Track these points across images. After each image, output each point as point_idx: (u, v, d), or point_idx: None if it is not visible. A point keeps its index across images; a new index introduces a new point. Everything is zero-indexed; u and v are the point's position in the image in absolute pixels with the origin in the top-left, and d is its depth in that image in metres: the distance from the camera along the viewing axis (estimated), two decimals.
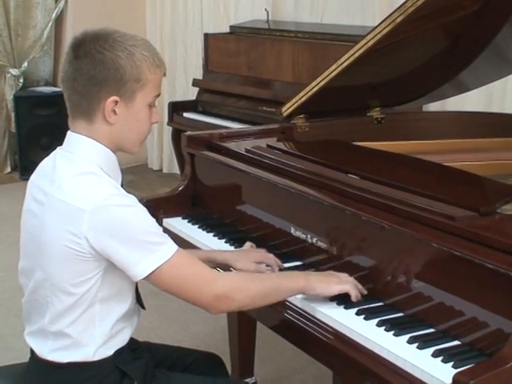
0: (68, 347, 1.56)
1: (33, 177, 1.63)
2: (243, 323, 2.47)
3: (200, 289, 1.53)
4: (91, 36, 1.53)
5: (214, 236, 2.05)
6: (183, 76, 5.36)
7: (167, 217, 2.18)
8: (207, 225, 2.11)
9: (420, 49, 2.27)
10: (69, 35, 5.65)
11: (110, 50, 1.51)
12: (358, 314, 1.57)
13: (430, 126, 2.52)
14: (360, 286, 1.63)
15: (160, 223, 2.04)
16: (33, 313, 1.62)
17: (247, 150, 2.11)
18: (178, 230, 2.12)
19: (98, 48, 1.51)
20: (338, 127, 2.38)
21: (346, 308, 1.60)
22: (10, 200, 4.92)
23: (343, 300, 1.62)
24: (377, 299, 1.62)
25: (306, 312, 1.63)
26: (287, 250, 1.89)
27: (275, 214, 1.95)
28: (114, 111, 1.54)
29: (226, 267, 1.79)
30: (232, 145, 2.22)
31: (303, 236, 1.84)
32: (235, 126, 3.88)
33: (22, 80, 5.60)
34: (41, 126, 5.41)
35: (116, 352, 1.59)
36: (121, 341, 1.61)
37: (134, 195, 1.54)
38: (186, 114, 4.33)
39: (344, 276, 1.65)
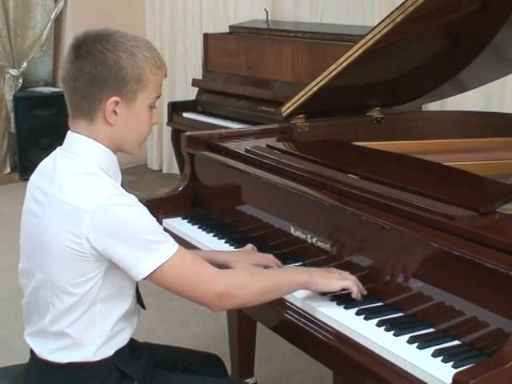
0: (68, 347, 1.56)
1: (33, 177, 1.63)
2: (243, 323, 2.47)
3: (201, 287, 1.53)
4: (93, 36, 1.53)
5: (213, 236, 2.05)
6: (183, 76, 5.35)
7: (167, 217, 2.18)
8: (207, 225, 2.11)
9: (419, 48, 2.27)
10: (68, 35, 5.65)
11: (111, 51, 1.51)
12: (357, 313, 1.57)
13: (430, 125, 2.52)
14: (361, 285, 1.63)
15: (160, 223, 2.03)
16: (33, 313, 1.62)
17: (247, 150, 2.11)
18: (177, 230, 2.12)
19: (99, 48, 1.51)
20: (337, 127, 2.38)
21: (345, 308, 1.60)
22: (9, 200, 4.92)
23: (343, 300, 1.62)
24: (377, 299, 1.62)
25: (305, 312, 1.63)
26: (287, 250, 1.89)
27: (275, 214, 1.95)
28: (115, 112, 1.54)
29: (226, 268, 1.79)
30: (232, 145, 2.22)
31: (303, 236, 1.84)
32: (235, 126, 3.88)
33: (21, 80, 5.60)
34: (40, 127, 5.41)
35: (116, 352, 1.59)
36: (121, 341, 1.61)
37: (134, 195, 1.54)
38: (185, 114, 4.33)
39: (345, 273, 1.65)
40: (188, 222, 2.17)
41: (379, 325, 1.52)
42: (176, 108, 4.38)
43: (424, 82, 2.42)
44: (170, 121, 4.40)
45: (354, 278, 1.63)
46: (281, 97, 3.39)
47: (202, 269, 1.55)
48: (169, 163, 5.61)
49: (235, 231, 2.08)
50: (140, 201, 1.54)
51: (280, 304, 1.66)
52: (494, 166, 2.05)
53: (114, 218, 1.48)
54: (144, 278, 1.51)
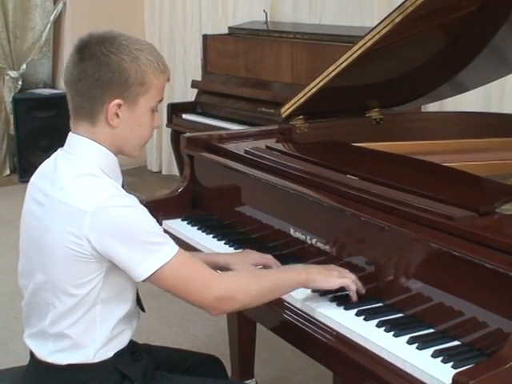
0: (68, 349, 1.56)
1: (33, 178, 1.63)
2: (243, 325, 2.47)
3: (201, 290, 1.53)
4: (97, 38, 1.54)
5: (213, 237, 2.05)
6: (182, 77, 5.36)
7: (167, 218, 2.18)
8: (207, 226, 2.11)
9: (419, 49, 2.27)
10: (67, 37, 5.66)
11: (115, 53, 1.51)
12: (357, 314, 1.57)
13: (429, 126, 2.52)
14: (360, 284, 1.63)
15: (159, 225, 2.04)
16: (33, 315, 1.62)
17: (246, 152, 2.11)
18: (177, 231, 2.12)
19: (103, 51, 1.51)
20: (336, 128, 2.38)
21: (345, 309, 1.60)
22: (9, 202, 4.92)
23: (343, 301, 1.62)
24: (376, 300, 1.62)
25: (305, 313, 1.63)
26: (287, 251, 1.89)
27: (275, 215, 1.95)
28: (117, 114, 1.54)
29: (227, 270, 1.79)
30: (231, 146, 2.22)
31: (302, 237, 1.84)
32: (234, 127, 3.88)
33: (20, 82, 5.60)
34: (39, 128, 5.41)
35: (116, 354, 1.59)
36: (121, 343, 1.61)
37: (134, 196, 1.54)
38: (184, 116, 4.33)
39: (345, 271, 1.65)
40: (188, 223, 2.16)
41: (379, 325, 1.52)
42: (175, 109, 4.38)
43: (423, 82, 2.43)
44: (170, 122, 4.40)
45: (352, 276, 1.63)
46: (280, 98, 3.38)
47: (202, 272, 1.55)
48: (168, 165, 5.61)
49: (235, 232, 2.08)
50: (140, 202, 1.54)
51: (279, 305, 1.66)
52: (494, 166, 2.05)
53: (115, 219, 1.48)
54: (144, 280, 1.51)
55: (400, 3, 1.98)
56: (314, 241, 1.80)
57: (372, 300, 1.62)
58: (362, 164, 1.95)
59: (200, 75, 4.64)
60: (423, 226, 1.54)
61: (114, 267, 1.51)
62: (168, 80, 1.61)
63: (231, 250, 1.96)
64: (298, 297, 1.65)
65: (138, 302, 1.68)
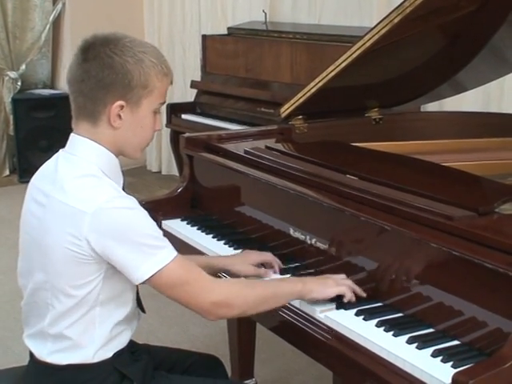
0: (67, 349, 1.56)
1: (33, 179, 1.63)
2: (243, 325, 2.47)
3: (197, 295, 1.53)
4: (101, 39, 1.54)
5: (213, 237, 2.05)
6: (181, 78, 5.35)
7: (166, 219, 2.18)
8: (206, 226, 2.11)
9: (418, 49, 2.27)
10: (67, 38, 5.66)
11: (119, 55, 1.52)
12: (357, 314, 1.57)
13: (429, 126, 2.52)
14: (358, 289, 1.63)
15: (159, 225, 2.04)
16: (32, 315, 1.62)
17: (246, 152, 2.11)
18: (176, 231, 2.12)
19: (107, 52, 1.52)
20: (336, 128, 2.38)
21: (345, 309, 1.60)
22: (8, 202, 4.92)
23: (342, 301, 1.61)
24: (376, 299, 1.62)
25: (305, 313, 1.63)
26: (286, 251, 1.89)
27: (274, 215, 1.95)
28: (119, 116, 1.54)
29: (225, 272, 1.79)
30: (230, 146, 2.22)
31: (302, 237, 1.84)
32: (234, 127, 3.88)
33: (19, 83, 5.60)
34: (39, 129, 5.41)
35: (115, 354, 1.59)
36: (120, 343, 1.61)
37: (133, 197, 1.54)
38: (184, 116, 4.33)
39: (340, 278, 1.65)
40: (187, 223, 2.16)
41: (379, 325, 1.52)
42: (175, 110, 4.38)
43: (422, 82, 2.43)
44: (169, 122, 4.40)
45: (348, 282, 1.63)
46: (279, 98, 3.39)
47: (199, 277, 1.55)
48: (168, 165, 5.61)
49: (234, 232, 2.08)
50: (139, 203, 1.54)
51: None
52: (493, 166, 2.05)
53: (115, 221, 1.48)
54: (142, 282, 1.51)
55: (399, 3, 1.98)
56: (313, 241, 1.80)
57: (371, 300, 1.62)
58: (361, 164, 1.95)
59: (199, 75, 4.64)
60: (423, 226, 1.54)
61: (113, 269, 1.51)
62: (171, 83, 1.62)
63: (231, 250, 1.96)
64: None
65: (139, 303, 1.68)
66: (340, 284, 1.62)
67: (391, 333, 1.49)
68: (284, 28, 4.30)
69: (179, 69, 5.39)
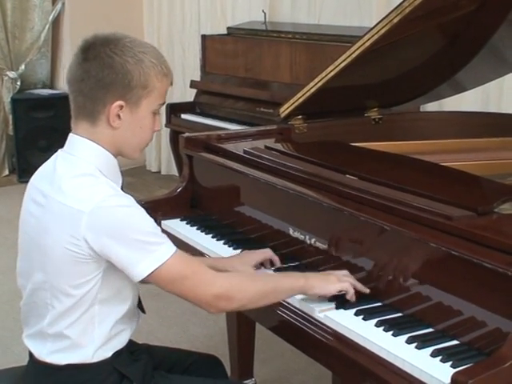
0: (67, 349, 1.56)
1: (32, 179, 1.63)
2: (242, 325, 2.47)
3: (198, 288, 1.53)
4: (102, 39, 1.54)
5: (212, 237, 2.05)
6: (181, 77, 5.35)
7: (165, 218, 2.18)
8: (206, 226, 2.11)
9: (417, 49, 2.27)
10: (66, 38, 5.65)
11: (119, 55, 1.52)
12: (356, 314, 1.57)
13: (428, 126, 2.52)
14: (360, 285, 1.63)
15: (158, 225, 2.04)
16: (31, 315, 1.62)
17: (245, 152, 2.11)
18: (176, 231, 2.12)
19: (107, 52, 1.52)
20: (335, 128, 2.38)
21: (344, 308, 1.60)
22: (8, 202, 4.92)
23: (342, 300, 1.62)
24: (375, 299, 1.62)
25: (304, 313, 1.63)
26: (286, 251, 1.89)
27: (274, 215, 1.95)
28: (119, 116, 1.54)
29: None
30: (230, 146, 2.22)
31: (302, 237, 1.84)
32: (233, 127, 3.88)
33: (19, 83, 5.60)
34: (38, 129, 5.41)
35: (115, 354, 1.59)
36: (120, 342, 1.61)
37: (133, 197, 1.55)
38: (183, 116, 4.33)
39: (343, 274, 1.65)
40: (187, 223, 2.16)
41: (378, 325, 1.52)
42: (174, 109, 4.38)
43: (422, 82, 2.43)
44: (169, 122, 4.40)
45: (351, 278, 1.63)
46: (279, 98, 3.38)
47: (199, 270, 1.55)
48: (167, 165, 5.61)
49: (234, 232, 2.08)
50: (138, 202, 1.54)
51: (278, 305, 1.66)
52: (492, 166, 2.05)
53: (112, 219, 1.48)
54: (142, 279, 1.51)
55: (398, 3, 1.98)
56: (313, 241, 1.80)
57: (371, 299, 1.62)
58: (361, 164, 1.95)
59: (199, 75, 4.64)
60: (422, 226, 1.54)
61: (112, 267, 1.52)
62: (171, 84, 1.62)
63: (230, 249, 1.96)
64: (296, 296, 1.65)
65: (139, 303, 1.68)
66: (342, 280, 1.62)
67: (390, 332, 1.49)
68: (283, 28, 4.30)
69: (179, 69, 5.39)
